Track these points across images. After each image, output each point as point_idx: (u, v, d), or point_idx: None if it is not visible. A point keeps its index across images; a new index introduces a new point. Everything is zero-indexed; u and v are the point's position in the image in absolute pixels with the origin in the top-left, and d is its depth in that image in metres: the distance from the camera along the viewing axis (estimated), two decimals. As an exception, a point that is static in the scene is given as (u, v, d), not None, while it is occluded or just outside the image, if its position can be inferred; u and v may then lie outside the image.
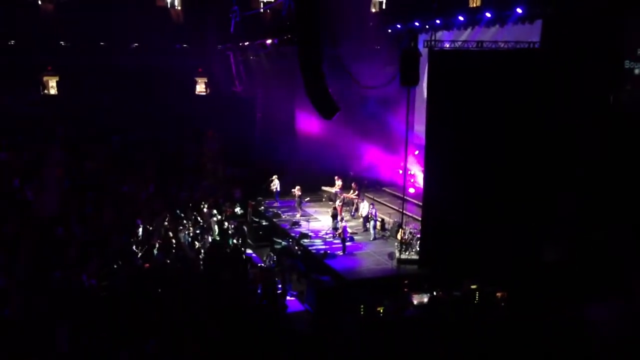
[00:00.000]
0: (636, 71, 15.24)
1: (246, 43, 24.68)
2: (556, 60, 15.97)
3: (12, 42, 28.32)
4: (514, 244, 16.16)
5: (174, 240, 19.72)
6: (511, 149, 16.00)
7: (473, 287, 15.71)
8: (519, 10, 18.13)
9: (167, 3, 31.03)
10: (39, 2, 28.94)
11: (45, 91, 29.69)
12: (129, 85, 28.65)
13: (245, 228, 22.26)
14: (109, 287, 15.38)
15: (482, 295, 15.62)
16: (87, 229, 20.31)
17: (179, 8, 31.10)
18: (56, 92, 29.72)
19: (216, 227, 21.61)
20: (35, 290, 14.51)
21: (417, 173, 23.37)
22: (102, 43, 29.50)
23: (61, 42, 29.25)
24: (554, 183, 16.15)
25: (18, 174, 23.98)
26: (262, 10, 26.80)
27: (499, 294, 15.61)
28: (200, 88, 32.16)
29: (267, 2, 29.39)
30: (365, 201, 22.16)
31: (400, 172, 25.66)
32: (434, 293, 15.67)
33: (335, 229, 20.35)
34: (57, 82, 29.71)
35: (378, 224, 20.71)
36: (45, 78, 29.62)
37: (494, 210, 16.16)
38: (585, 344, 12.23)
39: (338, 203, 21.86)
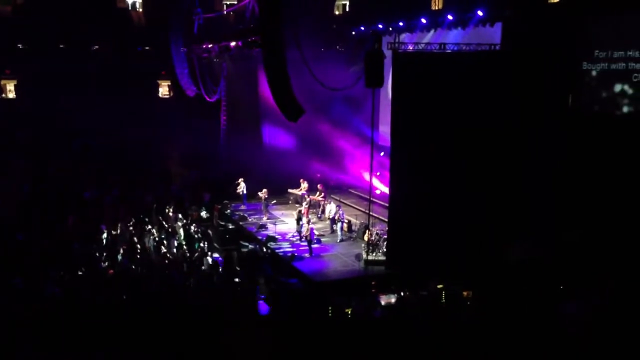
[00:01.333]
0: (593, 73, 15.63)
1: (210, 45, 24.47)
2: (516, 61, 16.28)
3: (-32, 45, 27.57)
4: (480, 244, 16.39)
5: (138, 245, 19.45)
6: (475, 150, 16.23)
7: (439, 286, 15.88)
8: (480, 13, 18.43)
9: (128, 5, 30.56)
10: (-4, 4, 28.25)
11: (3, 95, 28.97)
12: (90, 88, 28.12)
13: (211, 232, 22.10)
14: (72, 294, 15.07)
15: (449, 294, 15.80)
16: (49, 235, 19.89)
17: (140, 10, 30.67)
18: (14, 96, 29.01)
19: (182, 231, 21.39)
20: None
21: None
22: (61, 45, 28.90)
23: (19, 45, 28.54)
24: (518, 182, 16.43)
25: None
26: (225, 12, 26.64)
27: (465, 293, 15.80)
28: (164, 91, 31.78)
29: (230, 4, 29.20)
30: (332, 203, 22.22)
31: (366, 175, 25.86)
32: (402, 293, 15.78)
33: (299, 231, 20.37)
34: (15, 85, 29.00)
35: (345, 225, 20.79)
36: (2, 82, 28.89)
37: (459, 210, 16.37)
38: (553, 340, 12.47)
39: (304, 205, 21.87)
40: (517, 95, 16.00)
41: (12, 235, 19.32)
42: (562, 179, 15.86)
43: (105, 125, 28.00)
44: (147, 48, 30.49)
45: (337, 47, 26.76)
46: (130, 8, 30.64)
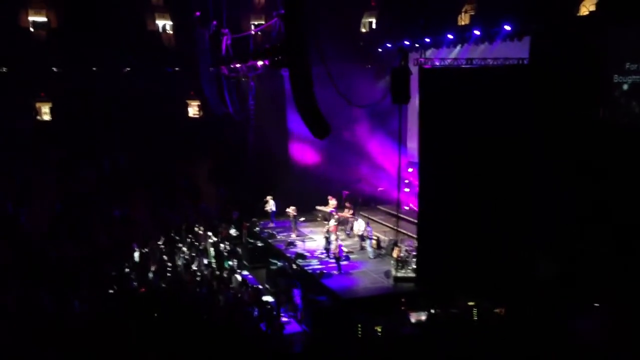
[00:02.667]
0: (624, 86, 15.36)
1: (237, 65, 24.79)
2: (545, 76, 16.09)
3: (4, 69, 28.38)
4: (511, 260, 16.11)
5: (169, 264, 19.64)
6: (504, 165, 16.02)
7: (471, 303, 15.66)
8: (507, 28, 18.33)
9: (158, 27, 31.24)
10: (31, 29, 29.07)
11: (39, 117, 29.70)
12: (122, 109, 28.67)
13: (240, 249, 22.22)
14: (104, 312, 15.27)
15: (481, 312, 15.56)
16: (80, 253, 20.23)
17: (171, 32, 31.30)
18: (50, 118, 29.71)
19: (212, 249, 21.54)
20: (27, 317, 14.39)
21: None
22: (94, 68, 29.59)
23: (53, 68, 29.31)
24: (548, 197, 16.18)
25: (11, 198, 23.95)
26: (252, 32, 26.97)
27: (497, 311, 15.55)
28: (193, 111, 32.23)
29: (257, 24, 29.59)
30: (360, 219, 22.14)
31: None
32: (432, 311, 15.60)
33: (327, 249, 20.31)
34: (50, 108, 29.71)
35: (373, 242, 20.68)
36: (38, 104, 29.64)
37: (490, 226, 16.13)
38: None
39: (333, 222, 21.83)
40: (547, 110, 15.78)
41: (44, 253, 19.72)
42: (592, 193, 15.56)
43: (136, 145, 28.50)
44: (176, 69, 31.02)
45: (364, 63, 26.85)
46: (160, 30, 31.32)
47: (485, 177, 16.18)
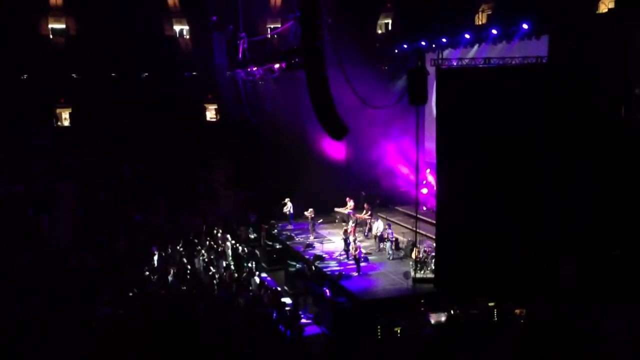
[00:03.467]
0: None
1: (254, 68, 24.93)
2: (565, 74, 15.94)
3: (25, 75, 28.78)
4: (532, 260, 15.97)
5: (188, 267, 19.75)
6: (523, 165, 15.89)
7: (491, 304, 15.53)
8: (525, 27, 18.19)
9: (176, 33, 31.53)
10: (50, 36, 29.47)
11: (59, 123, 30.06)
12: (141, 114, 28.94)
13: (259, 252, 22.27)
14: (124, 315, 15.39)
15: (501, 312, 15.43)
16: (101, 258, 20.41)
17: (188, 37, 31.56)
18: (69, 124, 30.06)
19: (230, 251, 21.63)
20: (50, 321, 14.55)
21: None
22: (113, 74, 29.90)
23: (73, 75, 29.66)
24: (567, 197, 16.02)
25: (32, 205, 24.22)
26: (269, 35, 27.10)
27: (517, 311, 15.42)
28: (211, 114, 32.43)
29: (273, 27, 29.73)
30: (379, 220, 22.09)
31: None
32: (452, 311, 15.51)
33: (346, 250, 20.29)
34: (69, 114, 30.07)
35: (392, 243, 20.62)
36: (58, 110, 30.00)
37: (509, 226, 16.01)
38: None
39: (351, 224, 21.80)
40: (566, 109, 15.63)
41: (66, 259, 19.92)
42: (612, 193, 15.36)
43: (155, 149, 28.72)
44: (194, 73, 31.24)
45: (381, 65, 26.82)
46: (178, 36, 31.59)
47: (505, 177, 16.06)
